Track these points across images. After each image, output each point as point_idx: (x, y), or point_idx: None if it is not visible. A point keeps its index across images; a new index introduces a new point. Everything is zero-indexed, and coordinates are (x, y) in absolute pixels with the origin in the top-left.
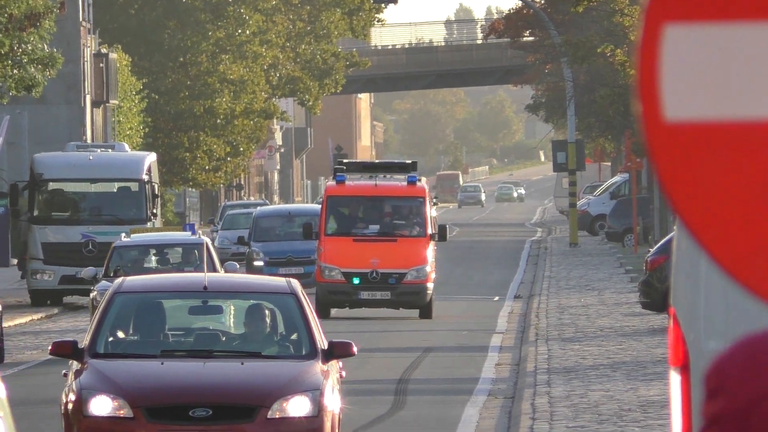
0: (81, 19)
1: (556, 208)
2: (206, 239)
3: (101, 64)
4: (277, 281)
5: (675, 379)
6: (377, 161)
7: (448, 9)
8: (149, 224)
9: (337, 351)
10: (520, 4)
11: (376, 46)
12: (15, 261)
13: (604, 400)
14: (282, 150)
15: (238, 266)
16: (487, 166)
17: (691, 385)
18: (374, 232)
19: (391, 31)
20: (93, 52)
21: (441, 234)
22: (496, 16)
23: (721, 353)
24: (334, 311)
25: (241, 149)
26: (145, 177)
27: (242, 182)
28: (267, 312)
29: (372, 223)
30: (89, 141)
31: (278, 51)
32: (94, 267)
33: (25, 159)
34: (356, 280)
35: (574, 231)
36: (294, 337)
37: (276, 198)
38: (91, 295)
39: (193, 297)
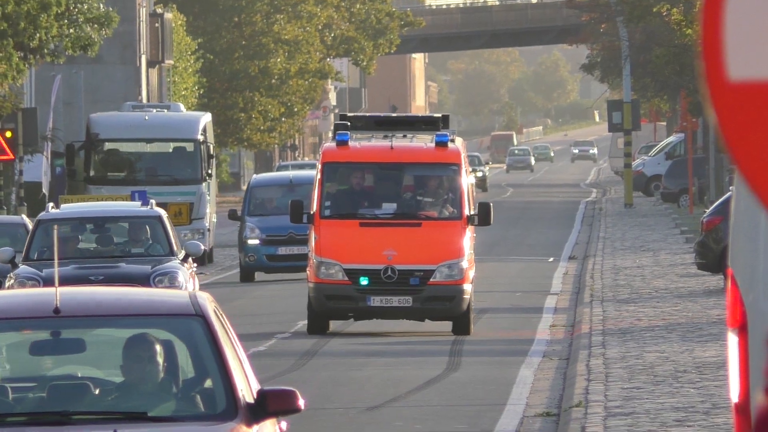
0: None
1: (610, 169)
2: (161, 211)
3: (156, 24)
4: (176, 296)
5: (733, 340)
6: (394, 114)
7: None
8: (204, 185)
9: (272, 406)
10: None
11: (430, 5)
12: None
13: (660, 362)
14: (336, 110)
15: (202, 247)
16: (541, 127)
17: (749, 345)
18: (389, 213)
19: None
20: (148, 11)
21: (483, 215)
22: None
23: None
24: (333, 325)
25: (296, 110)
26: (200, 137)
27: (296, 143)
28: (158, 347)
29: (386, 201)
30: (144, 101)
31: (333, 11)
32: (11, 247)
33: (81, 119)
34: (364, 281)
35: (629, 192)
36: (205, 385)
37: None
38: (6, 284)
39: (37, 327)
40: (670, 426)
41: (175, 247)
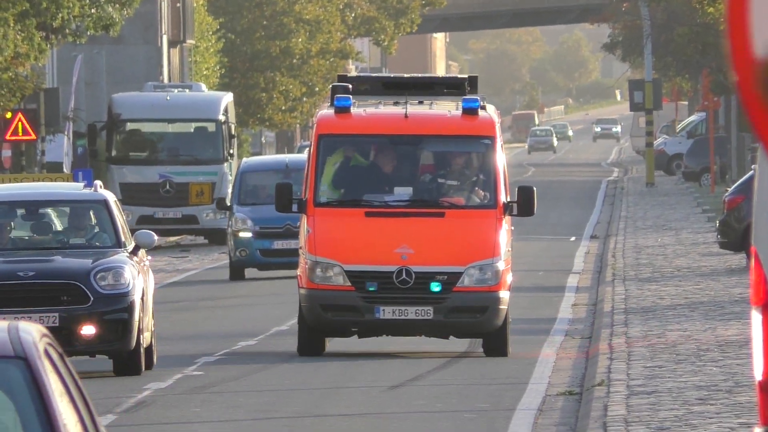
0: None
1: (632, 148)
2: (108, 194)
3: (178, 4)
4: None
5: (756, 318)
6: (407, 75)
7: None
8: (225, 165)
9: None
10: None
11: None
12: None
13: (682, 340)
14: None
15: (156, 238)
16: (562, 106)
17: None
18: (404, 200)
19: None
20: None
21: (524, 203)
22: None
23: None
24: (330, 343)
25: (317, 89)
26: (222, 117)
27: None
28: None
29: (400, 184)
30: (166, 81)
31: None
32: None
33: (103, 99)
34: (372, 287)
35: (651, 171)
36: None
37: None
38: None
39: None
40: (692, 404)
41: (123, 238)
